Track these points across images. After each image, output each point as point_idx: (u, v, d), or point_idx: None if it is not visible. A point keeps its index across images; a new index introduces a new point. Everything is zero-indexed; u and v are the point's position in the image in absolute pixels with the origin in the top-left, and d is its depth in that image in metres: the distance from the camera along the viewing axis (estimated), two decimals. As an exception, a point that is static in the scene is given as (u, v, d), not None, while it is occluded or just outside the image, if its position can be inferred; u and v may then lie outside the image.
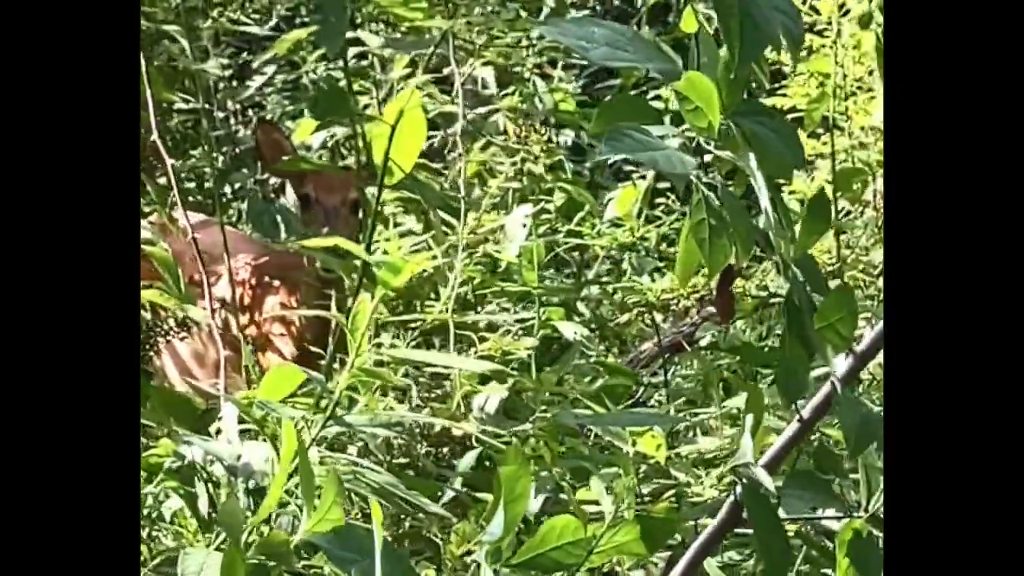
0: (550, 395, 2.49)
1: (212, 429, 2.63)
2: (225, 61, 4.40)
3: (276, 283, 3.57)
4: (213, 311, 2.64)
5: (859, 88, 3.60)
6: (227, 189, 4.71)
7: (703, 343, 3.86)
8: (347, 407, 2.20)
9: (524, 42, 3.38)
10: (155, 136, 2.54)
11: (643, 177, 3.89)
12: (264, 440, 2.20)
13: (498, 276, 2.71)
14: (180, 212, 3.81)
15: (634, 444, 2.75)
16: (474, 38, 3.36)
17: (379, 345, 2.12)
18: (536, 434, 2.38)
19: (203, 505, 2.45)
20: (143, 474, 2.61)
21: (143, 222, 3.60)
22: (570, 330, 2.80)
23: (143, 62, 3.90)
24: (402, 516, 2.37)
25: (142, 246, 3.06)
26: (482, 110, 3.39)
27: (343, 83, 2.85)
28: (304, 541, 1.82)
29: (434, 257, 1.92)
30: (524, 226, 2.63)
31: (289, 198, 4.29)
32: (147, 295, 2.51)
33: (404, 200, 2.99)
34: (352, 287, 3.35)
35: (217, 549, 2.10)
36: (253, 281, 3.41)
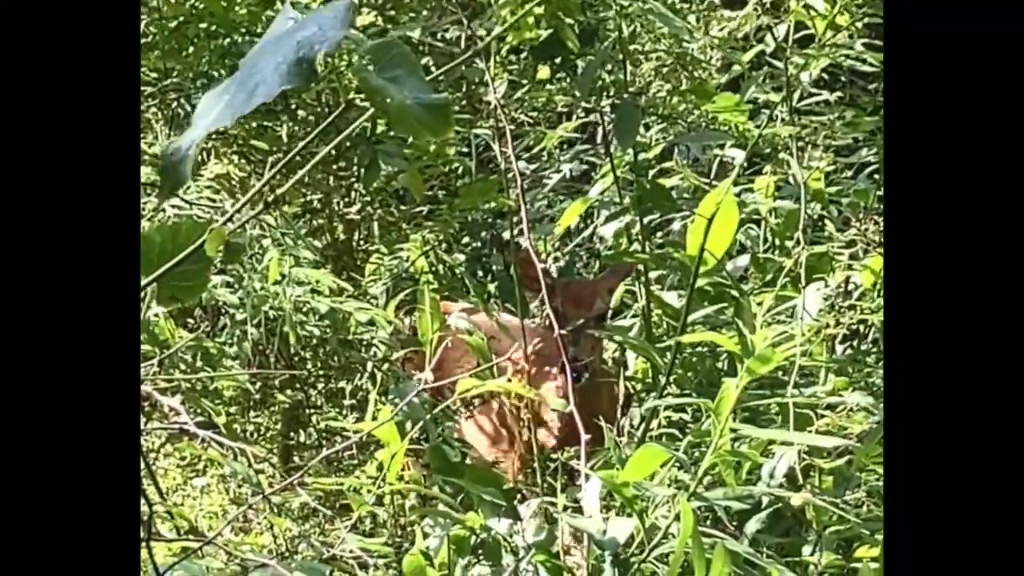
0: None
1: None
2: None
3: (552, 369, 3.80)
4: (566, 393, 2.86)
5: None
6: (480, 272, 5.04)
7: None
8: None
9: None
10: (526, 242, 2.78)
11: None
12: (629, 515, 2.43)
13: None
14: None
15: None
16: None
17: (734, 429, 2.32)
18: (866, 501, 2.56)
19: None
20: (452, 547, 2.86)
21: (459, 312, 3.89)
22: (855, 398, 2.97)
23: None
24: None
25: (460, 333, 3.34)
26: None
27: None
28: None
29: (792, 346, 2.12)
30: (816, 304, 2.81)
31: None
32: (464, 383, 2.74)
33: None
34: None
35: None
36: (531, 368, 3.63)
